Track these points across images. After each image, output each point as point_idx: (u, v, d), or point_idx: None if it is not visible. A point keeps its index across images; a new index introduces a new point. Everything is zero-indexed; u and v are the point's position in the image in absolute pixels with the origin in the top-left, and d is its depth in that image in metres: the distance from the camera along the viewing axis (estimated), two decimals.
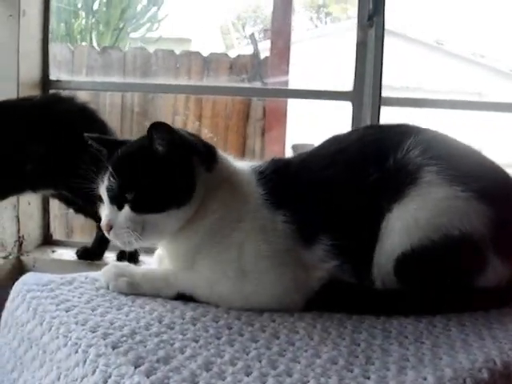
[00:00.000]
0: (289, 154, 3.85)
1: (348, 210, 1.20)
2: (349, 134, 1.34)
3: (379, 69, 2.05)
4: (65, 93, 2.19)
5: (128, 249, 1.18)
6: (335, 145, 1.29)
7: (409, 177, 1.18)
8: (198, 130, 3.81)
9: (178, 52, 4.07)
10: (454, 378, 0.92)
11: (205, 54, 4.11)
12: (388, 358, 0.99)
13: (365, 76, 2.06)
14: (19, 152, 1.77)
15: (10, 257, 2.14)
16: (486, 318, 1.18)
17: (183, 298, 1.18)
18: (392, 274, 1.18)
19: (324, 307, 1.17)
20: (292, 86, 3.73)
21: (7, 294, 2.03)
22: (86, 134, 1.25)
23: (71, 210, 2.04)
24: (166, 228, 1.18)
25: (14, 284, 2.05)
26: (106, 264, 1.99)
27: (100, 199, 1.19)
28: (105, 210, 1.18)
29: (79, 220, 2.44)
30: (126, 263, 1.27)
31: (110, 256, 2.05)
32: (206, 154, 1.22)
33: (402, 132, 1.26)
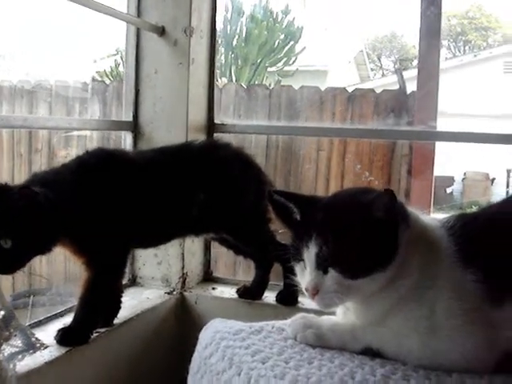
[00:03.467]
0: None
1: None
2: None
3: None
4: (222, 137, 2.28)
5: (327, 310, 1.20)
6: None
7: None
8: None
9: (322, 88, 4.11)
10: None
11: (349, 89, 4.13)
12: None
13: None
14: (186, 198, 1.85)
15: (174, 292, 2.23)
16: None
17: (369, 352, 1.18)
18: None
19: None
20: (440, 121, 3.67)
21: (172, 327, 2.14)
22: (273, 190, 1.28)
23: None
24: (370, 289, 1.18)
25: (176, 319, 2.16)
26: (264, 304, 2.06)
27: (295, 259, 1.21)
28: (308, 274, 1.18)
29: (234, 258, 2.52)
30: (312, 315, 1.28)
31: (269, 295, 2.08)
32: (402, 211, 1.22)
33: None
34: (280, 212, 1.28)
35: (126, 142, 2.23)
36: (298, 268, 1.21)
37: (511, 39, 9.08)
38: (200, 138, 2.22)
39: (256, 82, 6.28)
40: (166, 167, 1.82)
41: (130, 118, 2.22)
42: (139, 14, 2.20)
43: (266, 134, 3.51)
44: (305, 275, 1.19)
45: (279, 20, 6.80)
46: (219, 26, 6.67)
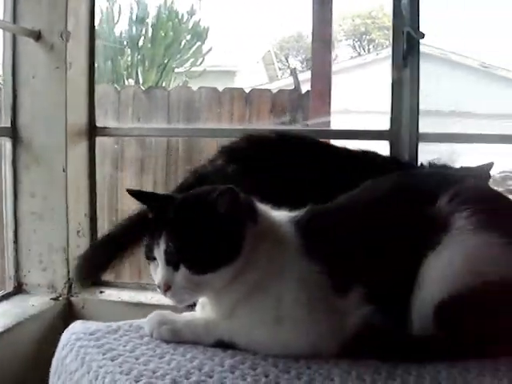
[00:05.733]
0: None
1: (384, 259, 1.22)
2: (383, 181, 1.37)
3: (416, 107, 2.08)
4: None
5: (181, 306, 1.24)
6: (369, 193, 1.32)
7: (441, 224, 1.20)
8: None
9: (220, 89, 4.15)
10: None
11: (247, 89, 4.19)
12: None
13: (402, 115, 2.08)
14: None
15: (61, 298, 2.22)
16: None
17: (223, 345, 1.23)
18: (431, 320, 1.20)
19: (359, 353, 1.20)
20: (335, 118, 3.77)
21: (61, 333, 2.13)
22: (128, 189, 1.31)
23: None
24: (218, 284, 1.22)
25: (64, 324, 2.15)
26: (152, 305, 2.08)
27: (148, 257, 1.24)
28: (160, 271, 1.21)
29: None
30: (169, 311, 1.32)
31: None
32: (250, 208, 1.27)
33: (435, 180, 1.29)
34: None
35: (5, 147, 2.21)
36: (152, 266, 1.25)
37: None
38: (80, 141, 2.23)
39: (163, 84, 6.26)
40: None
41: (9, 124, 2.20)
42: (15, 18, 2.19)
43: (157, 137, 3.51)
44: (157, 272, 1.22)
45: (185, 21, 6.80)
46: (123, 27, 6.60)
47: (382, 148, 2.12)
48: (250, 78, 8.49)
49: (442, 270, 1.18)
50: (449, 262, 1.18)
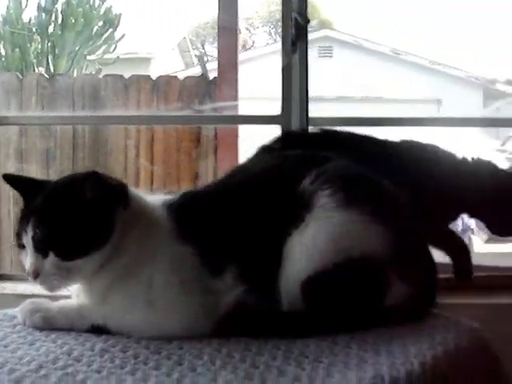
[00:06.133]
0: None
1: (252, 239, 1.26)
2: (254, 163, 1.41)
3: (305, 92, 2.13)
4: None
5: (53, 293, 1.24)
6: (240, 175, 1.36)
7: (304, 203, 1.25)
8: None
9: (126, 76, 4.11)
10: None
11: (154, 76, 4.17)
12: (281, 379, 1.04)
13: (291, 99, 2.13)
14: None
15: None
16: (389, 335, 1.24)
17: (97, 330, 1.23)
18: (298, 297, 1.25)
19: (232, 332, 1.23)
20: (247, 104, 3.80)
21: None
22: (3, 174, 1.29)
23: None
24: (89, 269, 1.23)
25: None
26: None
27: (18, 245, 1.23)
28: (29, 258, 1.21)
29: None
30: (43, 299, 1.31)
31: None
32: (120, 193, 1.28)
33: (303, 161, 1.33)
34: None
35: None
36: (22, 254, 1.24)
37: (326, 24, 9.55)
38: None
39: (75, 72, 6.12)
40: None
41: None
42: None
43: (61, 125, 3.46)
44: (27, 260, 1.22)
45: (96, 7, 6.66)
46: (32, 13, 6.40)
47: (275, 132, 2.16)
48: (166, 65, 8.41)
49: (306, 248, 1.23)
50: (312, 239, 1.22)
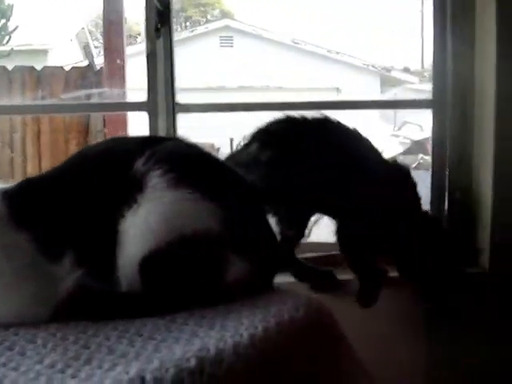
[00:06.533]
0: None
1: (88, 222, 1.27)
2: (93, 148, 1.41)
3: (170, 78, 2.14)
4: None
5: None
6: (77, 160, 1.36)
7: (137, 184, 1.26)
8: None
9: (10, 68, 4.03)
10: (157, 369, 0.99)
11: (38, 67, 4.10)
12: (108, 357, 1.06)
13: (157, 86, 2.14)
14: None
15: None
16: (226, 310, 1.27)
17: None
18: (136, 277, 1.26)
19: (72, 316, 1.23)
20: (137, 94, 3.78)
21: None
22: None
23: None
24: None
25: None
26: None
27: None
28: None
29: None
30: None
31: None
32: None
33: (140, 143, 1.35)
34: None
35: None
36: None
37: (227, 15, 9.59)
38: None
39: None
40: None
41: None
42: None
43: None
44: None
45: None
46: None
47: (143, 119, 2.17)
48: (65, 56, 8.23)
49: (140, 229, 1.24)
50: (145, 219, 1.24)
